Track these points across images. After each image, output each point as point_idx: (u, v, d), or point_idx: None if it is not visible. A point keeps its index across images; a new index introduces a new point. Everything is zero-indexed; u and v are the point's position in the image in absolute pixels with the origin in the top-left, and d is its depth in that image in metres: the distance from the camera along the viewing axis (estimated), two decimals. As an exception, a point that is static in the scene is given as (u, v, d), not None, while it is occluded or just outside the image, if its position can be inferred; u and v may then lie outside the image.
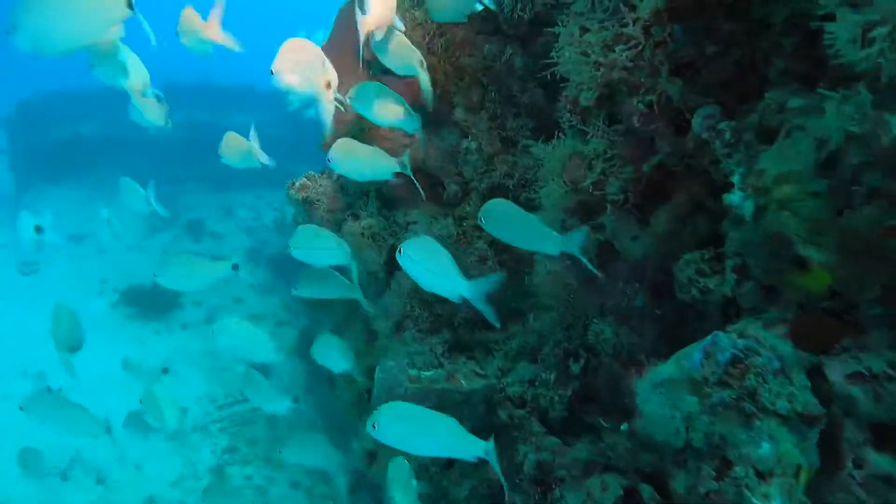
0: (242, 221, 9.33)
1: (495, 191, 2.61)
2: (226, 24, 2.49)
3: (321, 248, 2.33)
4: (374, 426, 1.65)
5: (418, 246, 1.92)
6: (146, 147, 10.34)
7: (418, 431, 1.66)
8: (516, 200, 2.65)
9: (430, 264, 1.89)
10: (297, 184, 3.07)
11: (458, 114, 2.67)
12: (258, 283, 8.47)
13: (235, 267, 2.74)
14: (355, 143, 2.29)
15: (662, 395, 1.18)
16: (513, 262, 2.65)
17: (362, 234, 2.57)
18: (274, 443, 6.30)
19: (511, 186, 2.58)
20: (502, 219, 1.91)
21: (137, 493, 5.49)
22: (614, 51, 1.64)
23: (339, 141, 2.26)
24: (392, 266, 2.57)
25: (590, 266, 1.73)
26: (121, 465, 5.71)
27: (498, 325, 1.88)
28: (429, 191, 2.76)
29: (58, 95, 10.19)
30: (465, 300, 1.87)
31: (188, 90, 10.68)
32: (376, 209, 2.66)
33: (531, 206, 2.61)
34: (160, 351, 7.35)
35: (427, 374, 2.23)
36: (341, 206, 2.77)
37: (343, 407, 2.71)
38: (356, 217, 2.70)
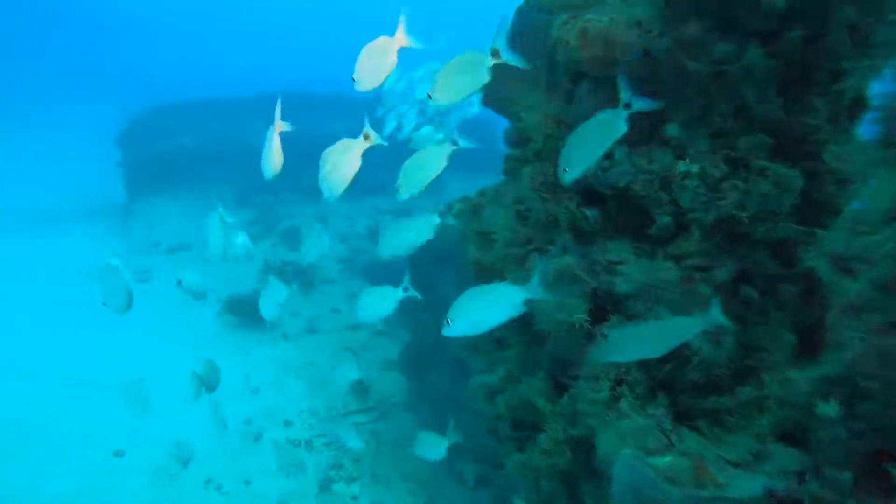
0: (337, 230, 9.14)
1: (724, 224, 2.06)
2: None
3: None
4: None
5: (460, 307, 1.80)
6: (243, 157, 10.37)
7: None
8: (748, 237, 2.10)
9: (482, 306, 1.78)
10: (457, 208, 2.63)
11: (672, 130, 2.14)
12: (354, 293, 8.23)
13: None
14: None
15: None
16: (741, 308, 2.10)
17: (559, 277, 2.09)
18: (378, 459, 5.99)
19: (745, 219, 2.03)
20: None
21: (248, 510, 5.30)
22: None
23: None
24: (599, 316, 2.08)
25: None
26: (230, 478, 5.53)
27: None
28: (631, 223, 2.24)
29: (163, 109, 10.38)
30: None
31: (282, 101, 10.62)
32: (571, 244, 2.17)
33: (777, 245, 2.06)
34: (263, 361, 7.22)
35: (663, 460, 1.72)
36: (521, 240, 2.31)
37: (539, 469, 2.20)
38: (543, 253, 2.22)
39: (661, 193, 2.13)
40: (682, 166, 2.09)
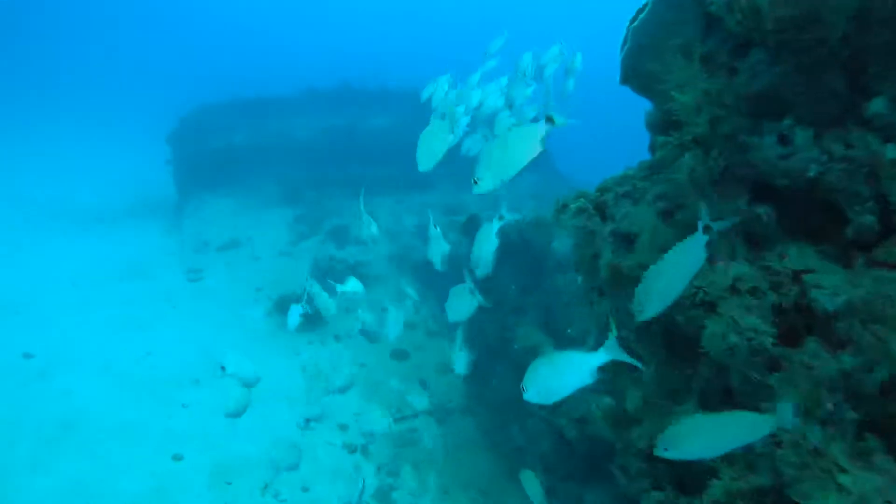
0: (384, 226, 8.83)
1: (951, 224, 1.62)
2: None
3: None
4: None
5: (534, 375, 1.68)
6: (290, 154, 10.14)
7: None
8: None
9: (554, 374, 1.65)
10: (576, 205, 2.22)
11: (876, 106, 1.69)
12: (405, 292, 7.89)
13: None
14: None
15: None
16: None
17: (733, 287, 1.68)
18: (437, 466, 5.67)
19: None
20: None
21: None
22: None
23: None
24: (790, 338, 1.65)
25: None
26: (288, 484, 5.27)
27: (642, 367, 1.71)
28: (809, 222, 1.81)
29: (212, 108, 10.20)
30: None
31: (327, 97, 10.36)
32: (743, 251, 1.75)
33: None
34: (314, 362, 6.94)
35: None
36: (667, 244, 1.89)
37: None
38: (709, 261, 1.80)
39: (859, 186, 1.69)
40: (892, 151, 1.65)
